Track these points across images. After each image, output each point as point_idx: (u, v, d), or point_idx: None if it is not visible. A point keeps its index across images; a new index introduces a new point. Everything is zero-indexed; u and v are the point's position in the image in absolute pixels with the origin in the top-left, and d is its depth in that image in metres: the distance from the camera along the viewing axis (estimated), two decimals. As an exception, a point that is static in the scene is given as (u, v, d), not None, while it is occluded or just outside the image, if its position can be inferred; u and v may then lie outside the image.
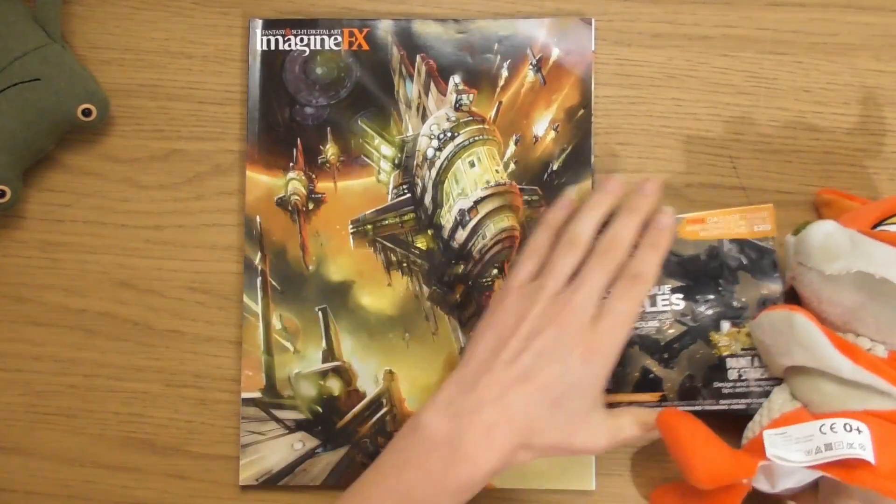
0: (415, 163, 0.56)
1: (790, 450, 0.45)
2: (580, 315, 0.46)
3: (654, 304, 0.52)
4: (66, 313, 0.58)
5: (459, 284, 0.56)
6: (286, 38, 0.57)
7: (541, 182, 0.56)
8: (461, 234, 0.56)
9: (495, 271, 0.56)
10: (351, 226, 0.56)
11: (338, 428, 0.55)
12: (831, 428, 0.44)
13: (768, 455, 0.46)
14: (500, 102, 0.56)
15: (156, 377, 0.57)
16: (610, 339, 0.46)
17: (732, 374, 0.51)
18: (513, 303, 0.48)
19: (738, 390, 0.51)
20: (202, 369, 0.57)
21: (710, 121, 0.56)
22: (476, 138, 0.56)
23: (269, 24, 0.57)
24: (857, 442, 0.44)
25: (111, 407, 0.57)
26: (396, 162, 0.56)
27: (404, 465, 0.45)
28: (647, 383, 0.52)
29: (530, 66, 0.56)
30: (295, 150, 0.56)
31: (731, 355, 0.51)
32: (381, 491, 0.45)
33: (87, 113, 0.55)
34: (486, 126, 0.56)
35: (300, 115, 0.57)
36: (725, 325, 0.51)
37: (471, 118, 0.56)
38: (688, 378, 0.51)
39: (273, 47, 0.57)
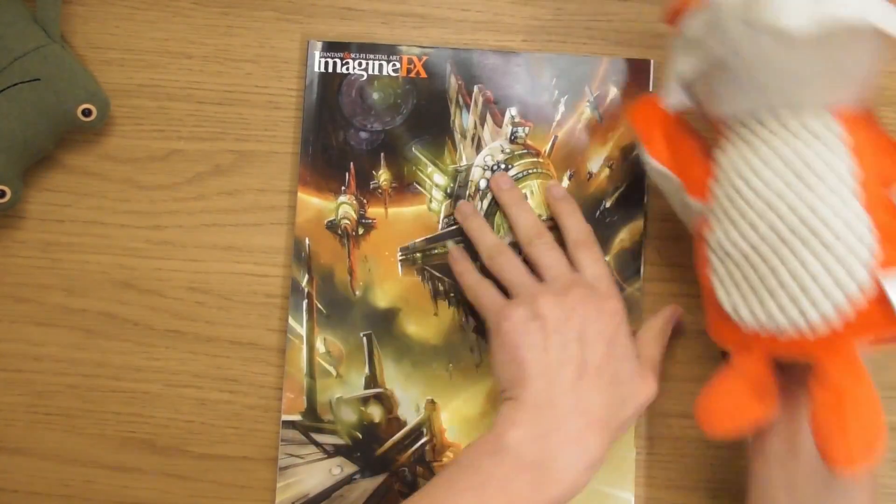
0: (467, 193, 0.56)
1: None
2: (584, 289, 0.48)
3: None
4: (66, 313, 0.58)
5: None
6: (344, 62, 0.56)
7: (593, 219, 0.55)
8: None
9: None
10: (400, 253, 0.56)
11: (377, 455, 0.55)
12: None
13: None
14: (556, 137, 0.56)
15: (156, 377, 0.57)
16: (615, 294, 0.50)
17: None
18: (518, 322, 0.47)
19: None
20: (202, 369, 0.57)
21: (710, 121, 0.56)
22: (530, 171, 0.56)
23: (329, 47, 0.57)
24: None
25: (111, 407, 0.57)
26: (449, 191, 0.56)
27: (486, 486, 0.43)
28: None
29: (587, 103, 0.56)
30: (347, 174, 0.56)
31: None
32: None
33: (87, 113, 0.55)
34: (541, 160, 0.56)
35: (354, 139, 0.56)
36: None
37: (525, 151, 0.56)
38: None
39: (331, 69, 0.57)
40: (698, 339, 0.55)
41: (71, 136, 0.58)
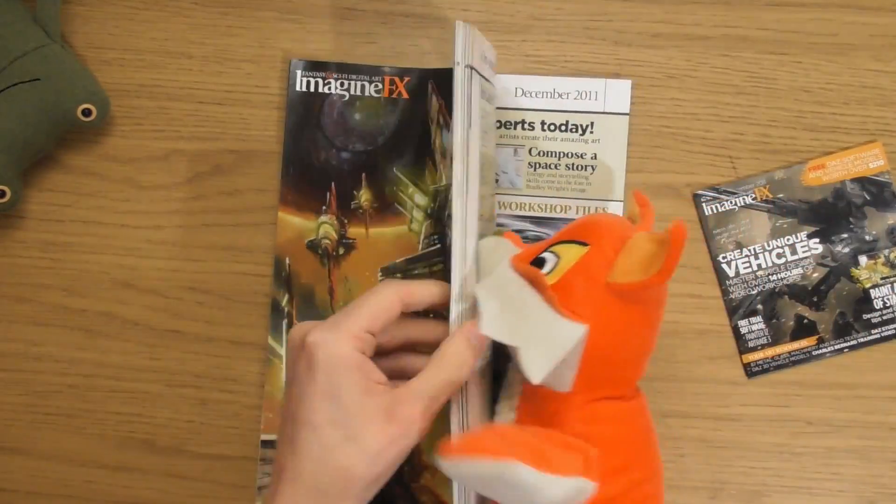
0: (447, 213, 0.56)
1: None
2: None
3: (794, 252, 0.54)
4: (66, 313, 0.58)
5: None
6: (326, 81, 0.56)
7: None
8: None
9: None
10: (380, 273, 0.56)
11: None
12: None
13: None
14: None
15: (156, 377, 0.57)
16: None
17: (878, 304, 0.54)
18: None
19: (885, 317, 0.54)
20: (202, 369, 0.57)
21: (710, 121, 0.56)
22: None
23: (311, 66, 0.56)
24: None
25: (111, 407, 0.57)
26: (429, 212, 0.56)
27: None
28: (803, 329, 0.54)
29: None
30: (328, 194, 0.56)
31: (874, 286, 0.55)
32: None
33: (87, 113, 0.55)
34: None
35: (336, 159, 0.56)
36: (863, 259, 0.55)
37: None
38: (839, 315, 0.54)
39: (313, 89, 0.56)
40: (698, 340, 0.55)
41: (71, 136, 0.58)
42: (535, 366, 0.39)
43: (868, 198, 0.55)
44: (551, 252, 0.44)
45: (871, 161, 0.55)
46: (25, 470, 0.57)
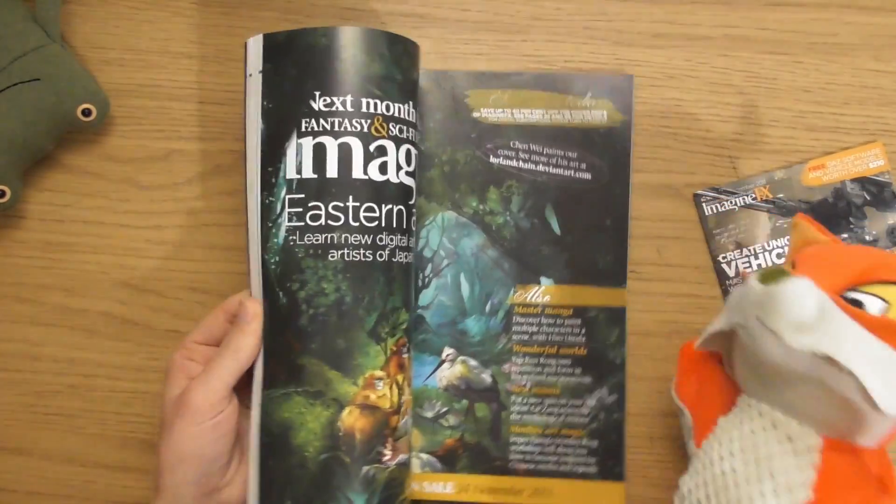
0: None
1: None
2: None
3: None
4: (66, 313, 0.58)
5: None
6: None
7: None
8: None
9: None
10: None
11: None
12: None
13: None
14: None
15: (156, 377, 0.57)
16: None
17: None
18: None
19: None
20: (202, 369, 0.57)
21: (710, 121, 0.56)
22: None
23: None
24: None
25: (111, 407, 0.57)
26: None
27: None
28: None
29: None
30: None
31: None
32: None
33: (87, 113, 0.55)
34: None
35: None
36: None
37: None
38: None
39: None
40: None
41: (71, 136, 0.58)
42: None
43: (868, 198, 0.55)
44: (870, 295, 0.41)
45: (871, 161, 0.55)
46: (25, 470, 0.57)
